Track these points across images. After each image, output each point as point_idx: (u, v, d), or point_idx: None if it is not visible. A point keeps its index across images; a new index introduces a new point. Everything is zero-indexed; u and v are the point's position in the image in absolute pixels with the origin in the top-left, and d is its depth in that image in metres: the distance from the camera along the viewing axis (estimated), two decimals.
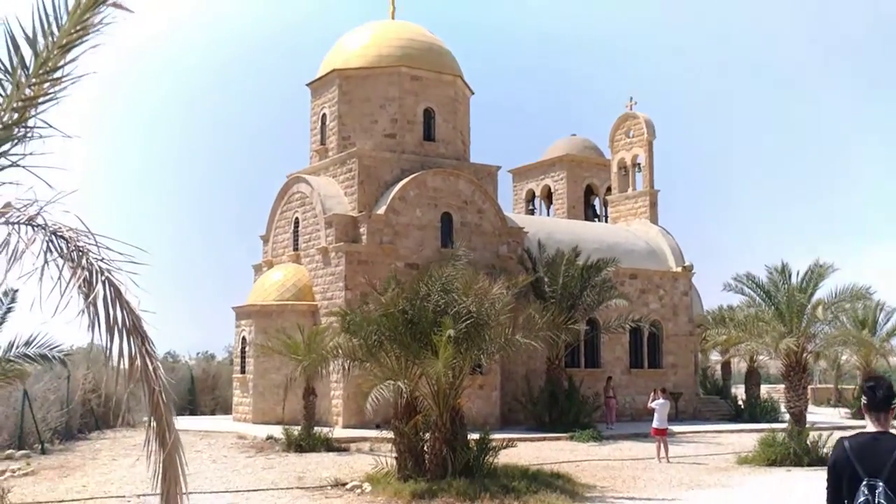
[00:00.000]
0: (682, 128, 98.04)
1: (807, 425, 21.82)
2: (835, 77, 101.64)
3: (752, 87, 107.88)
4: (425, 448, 16.81)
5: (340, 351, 16.79)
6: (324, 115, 33.61)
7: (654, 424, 22.13)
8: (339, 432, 26.34)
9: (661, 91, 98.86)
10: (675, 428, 28.22)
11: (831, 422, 33.10)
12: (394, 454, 17.23)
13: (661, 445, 21.80)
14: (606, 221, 43.66)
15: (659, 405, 22.28)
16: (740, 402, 37.21)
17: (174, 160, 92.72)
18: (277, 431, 24.32)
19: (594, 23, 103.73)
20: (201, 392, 39.45)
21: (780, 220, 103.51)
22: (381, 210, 29.78)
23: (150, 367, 4.68)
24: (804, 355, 21.17)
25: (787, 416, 35.43)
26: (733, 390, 41.41)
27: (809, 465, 20.48)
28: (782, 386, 51.89)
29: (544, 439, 26.93)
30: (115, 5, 5.67)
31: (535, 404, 29.82)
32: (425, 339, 16.42)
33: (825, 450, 20.96)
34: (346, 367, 17.03)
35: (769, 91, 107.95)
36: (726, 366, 42.08)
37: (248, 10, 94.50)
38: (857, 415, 39.08)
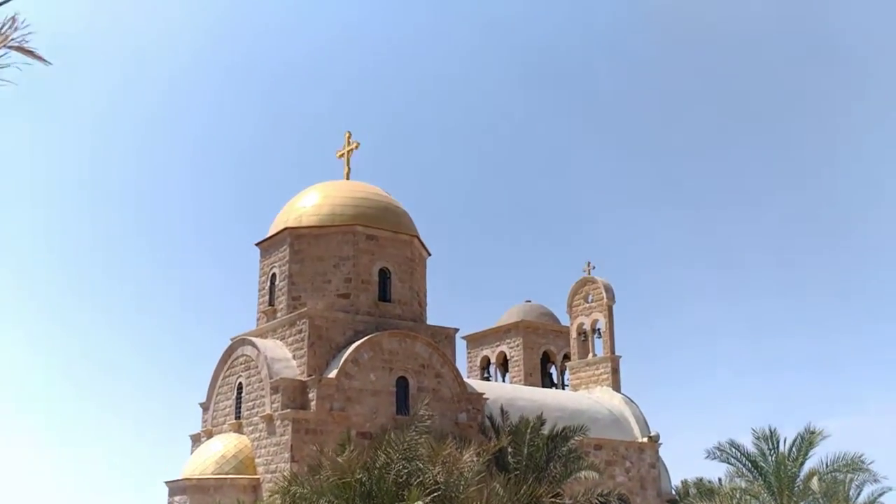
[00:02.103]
0: (641, 291, 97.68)
1: None
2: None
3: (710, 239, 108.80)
4: None
5: None
6: (273, 274, 32.13)
7: None
8: None
9: (618, 254, 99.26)
10: None
11: None
12: None
13: None
14: (564, 389, 42.04)
15: None
16: None
17: (102, 321, 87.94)
18: None
19: (548, 187, 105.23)
20: None
21: (748, 389, 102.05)
22: (333, 374, 27.82)
23: None
24: None
25: None
26: None
27: None
28: None
29: None
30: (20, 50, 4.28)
31: None
32: None
33: None
34: None
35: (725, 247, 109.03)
36: None
37: (194, 168, 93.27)
38: None
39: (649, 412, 38.96)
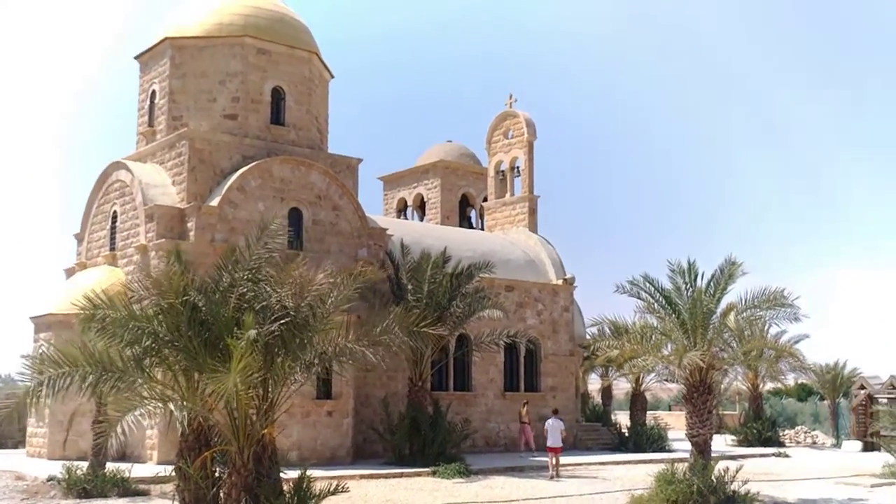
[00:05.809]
0: (563, 132, 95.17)
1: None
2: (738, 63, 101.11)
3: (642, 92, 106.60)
4: (220, 495, 12.20)
5: (82, 360, 11.96)
6: (153, 91, 28.50)
7: (549, 444, 23.01)
8: (151, 469, 21.22)
9: (541, 94, 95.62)
10: None
11: (721, 450, 29.95)
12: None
13: (555, 462, 22.74)
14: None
15: (552, 424, 23.26)
16: (624, 430, 33.82)
17: None
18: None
19: (470, 18, 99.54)
20: (5, 422, 33.18)
21: (667, 230, 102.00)
22: (215, 202, 24.92)
23: None
24: (710, 373, 17.58)
25: (675, 445, 32.57)
26: (614, 417, 38.10)
27: None
28: (665, 413, 49.46)
29: (402, 475, 22.54)
30: None
31: (393, 433, 25.42)
32: (224, 346, 11.90)
33: (735, 485, 17.38)
34: (93, 387, 12.18)
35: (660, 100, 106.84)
36: (607, 390, 38.81)
37: None
38: (744, 442, 36.46)
39: (567, 255, 37.24)
